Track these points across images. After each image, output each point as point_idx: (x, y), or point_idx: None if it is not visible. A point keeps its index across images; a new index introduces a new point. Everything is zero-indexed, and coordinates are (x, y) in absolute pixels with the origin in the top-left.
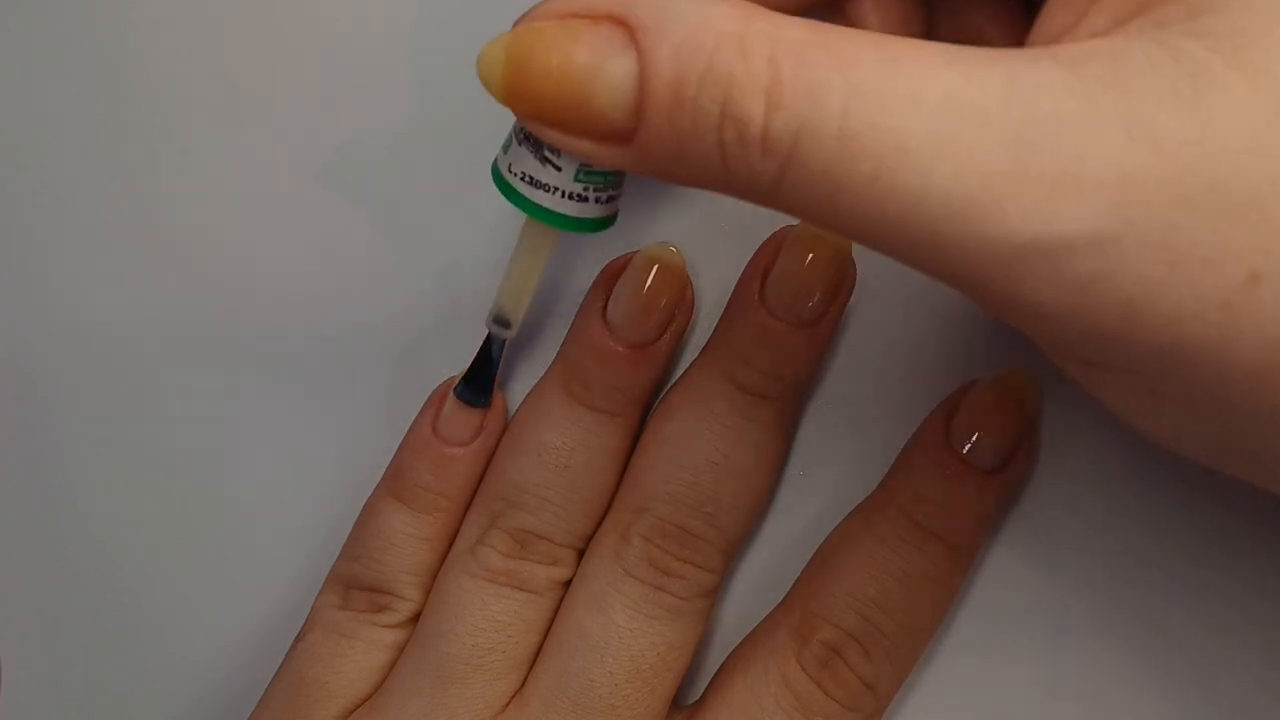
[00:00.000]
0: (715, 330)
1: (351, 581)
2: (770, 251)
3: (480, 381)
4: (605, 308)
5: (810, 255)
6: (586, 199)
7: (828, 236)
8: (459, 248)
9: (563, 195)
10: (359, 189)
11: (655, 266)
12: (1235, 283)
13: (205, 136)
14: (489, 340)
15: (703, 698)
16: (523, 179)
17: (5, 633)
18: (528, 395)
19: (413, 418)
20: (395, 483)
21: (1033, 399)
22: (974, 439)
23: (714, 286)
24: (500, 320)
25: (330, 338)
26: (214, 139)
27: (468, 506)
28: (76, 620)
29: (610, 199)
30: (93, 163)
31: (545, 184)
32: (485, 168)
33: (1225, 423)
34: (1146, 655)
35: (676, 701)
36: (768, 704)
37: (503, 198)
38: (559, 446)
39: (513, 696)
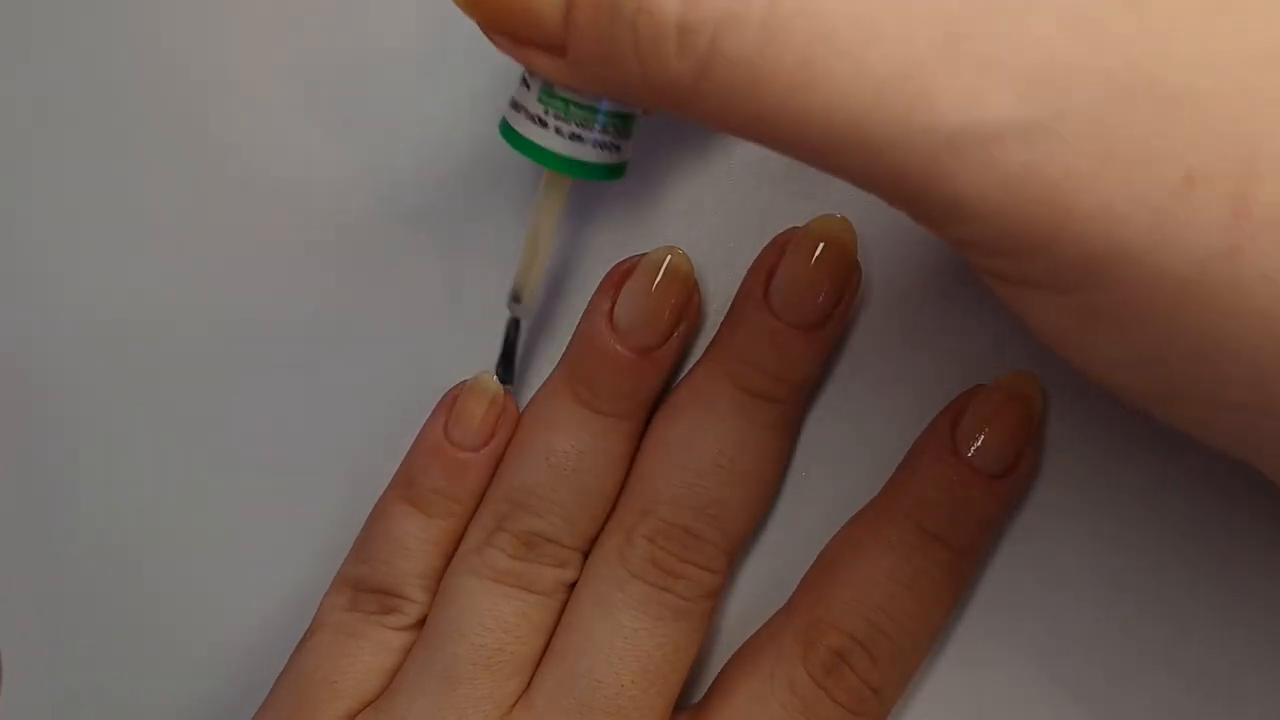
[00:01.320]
0: (719, 331)
1: (360, 584)
2: (775, 252)
3: (502, 360)
4: (612, 310)
5: (815, 256)
6: (547, 124)
7: (833, 237)
8: (472, 248)
9: (527, 116)
10: (368, 189)
11: (663, 269)
12: (1170, 184)
13: (208, 132)
14: (509, 319)
15: (706, 699)
16: (510, 104)
17: (5, 633)
18: (533, 398)
19: (422, 418)
20: (407, 487)
21: (1038, 403)
22: (979, 443)
23: (717, 288)
24: (513, 295)
25: (339, 337)
26: (217, 134)
27: (476, 510)
28: (76, 620)
29: (575, 137)
30: (92, 161)
31: (520, 104)
32: (499, 170)
33: (1155, 348)
34: (1148, 658)
35: (679, 702)
36: (773, 708)
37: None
38: (566, 451)
39: (519, 697)
